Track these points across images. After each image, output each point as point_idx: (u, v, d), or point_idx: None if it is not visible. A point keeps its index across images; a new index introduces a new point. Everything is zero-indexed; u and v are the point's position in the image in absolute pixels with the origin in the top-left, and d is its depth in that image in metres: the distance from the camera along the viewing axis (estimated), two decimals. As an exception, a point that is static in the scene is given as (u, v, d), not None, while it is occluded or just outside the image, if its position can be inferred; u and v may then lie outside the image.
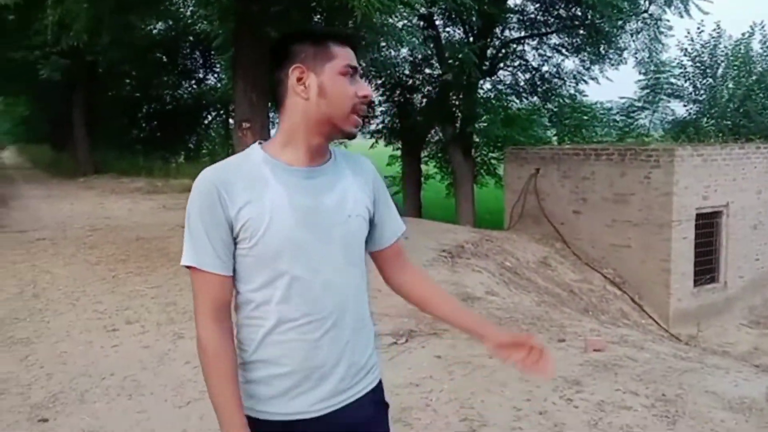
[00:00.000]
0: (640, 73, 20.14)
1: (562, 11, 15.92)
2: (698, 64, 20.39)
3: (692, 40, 20.19)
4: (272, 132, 7.31)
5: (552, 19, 16.37)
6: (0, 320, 5.29)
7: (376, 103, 19.33)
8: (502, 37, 17.19)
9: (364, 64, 15.62)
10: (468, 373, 4.12)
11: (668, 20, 15.61)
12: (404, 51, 15.23)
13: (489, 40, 16.19)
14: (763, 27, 19.79)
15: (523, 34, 17.18)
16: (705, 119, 20.30)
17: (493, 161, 18.88)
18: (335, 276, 1.41)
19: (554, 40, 17.14)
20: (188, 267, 1.39)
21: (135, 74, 22.40)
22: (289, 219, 1.37)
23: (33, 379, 4.09)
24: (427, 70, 17.61)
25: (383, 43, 9.90)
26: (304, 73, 1.40)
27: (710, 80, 20.36)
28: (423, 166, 19.61)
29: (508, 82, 18.23)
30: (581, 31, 15.91)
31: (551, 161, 11.80)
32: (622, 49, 16.49)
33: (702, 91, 20.59)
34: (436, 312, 1.64)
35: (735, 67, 19.83)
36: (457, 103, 16.17)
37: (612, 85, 18.23)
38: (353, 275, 1.46)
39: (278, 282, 1.37)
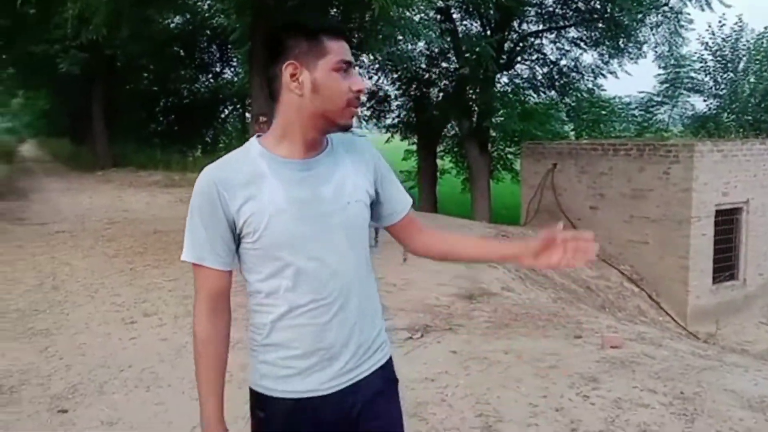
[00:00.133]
0: (659, 67, 19.97)
1: (580, 4, 15.78)
2: (719, 58, 20.13)
3: (713, 34, 19.95)
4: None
5: (570, 12, 16.23)
6: (20, 312, 5.36)
7: (393, 97, 19.33)
8: (520, 31, 17.09)
9: (378, 58, 15.60)
10: (484, 368, 4.10)
11: (689, 13, 15.45)
12: (421, 44, 15.19)
13: (506, 33, 16.10)
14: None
15: (541, 27, 17.07)
16: (725, 114, 20.07)
17: (509, 156, 18.79)
18: (339, 262, 1.45)
19: (573, 33, 17.01)
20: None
21: (153, 68, 22.56)
22: (288, 212, 1.40)
23: (53, 371, 4.14)
24: (444, 64, 17.56)
25: (400, 37, 9.88)
26: (297, 69, 1.41)
27: (731, 74, 20.09)
28: (439, 161, 19.57)
29: (525, 76, 18.13)
30: (600, 25, 15.77)
31: (568, 156, 11.72)
32: (642, 43, 16.32)
33: (723, 86, 20.33)
34: (465, 256, 1.68)
35: (757, 62, 19.54)
36: (473, 97, 16.11)
37: (631, 80, 18.06)
38: (357, 259, 1.49)
39: (284, 272, 1.42)
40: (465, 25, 16.96)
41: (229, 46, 19.95)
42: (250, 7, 7.94)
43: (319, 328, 1.43)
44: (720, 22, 19.98)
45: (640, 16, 14.49)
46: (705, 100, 20.85)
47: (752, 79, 19.68)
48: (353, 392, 1.48)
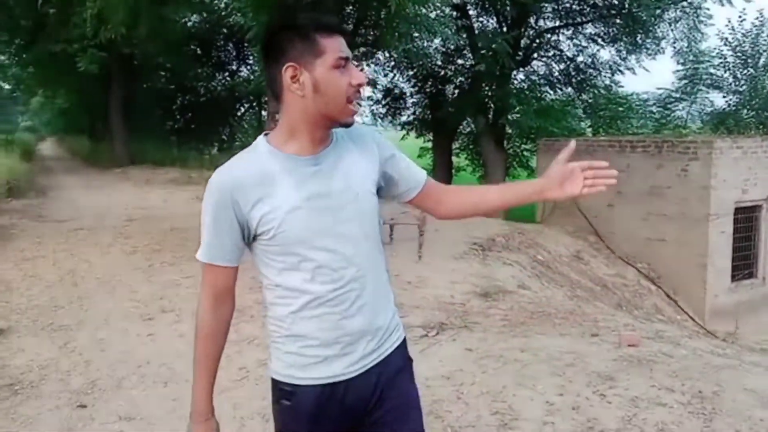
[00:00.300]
0: (678, 63, 19.75)
1: (598, 0, 15.64)
2: (739, 54, 19.86)
3: (733, 29, 19.68)
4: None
5: (588, 8, 16.11)
6: (41, 307, 5.43)
7: (408, 94, 19.31)
8: (537, 27, 16.99)
9: (394, 55, 15.58)
10: (499, 366, 4.10)
11: (708, 8, 15.26)
12: (437, 41, 15.13)
13: (523, 29, 16.01)
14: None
15: (557, 23, 16.96)
16: (745, 110, 19.81)
17: (525, 153, 18.71)
18: (354, 252, 1.49)
19: (590, 29, 16.88)
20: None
21: (170, 66, 22.70)
22: (303, 208, 1.44)
23: (72, 366, 4.19)
24: (460, 61, 17.51)
25: (416, 34, 9.85)
26: (297, 71, 1.43)
27: (751, 70, 19.81)
28: (454, 158, 19.51)
29: (542, 73, 18.03)
30: (618, 20, 15.63)
31: (585, 153, 11.62)
32: (660, 39, 16.15)
33: (742, 82, 20.06)
34: (496, 203, 1.67)
35: (778, 57, 19.28)
36: (489, 93, 16.04)
37: (649, 76, 18.00)
38: (370, 248, 1.54)
39: (302, 266, 1.46)
40: (481, 22, 16.91)
41: (246, 45, 20.03)
42: (267, 5, 7.96)
43: (340, 316, 1.48)
44: (740, 17, 19.74)
45: (658, 11, 14.33)
46: (724, 97, 20.60)
47: (773, 75, 19.42)
48: (376, 372, 1.54)
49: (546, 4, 15.92)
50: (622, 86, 18.63)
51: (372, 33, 11.15)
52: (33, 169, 18.05)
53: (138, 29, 9.31)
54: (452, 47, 16.39)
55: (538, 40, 17.08)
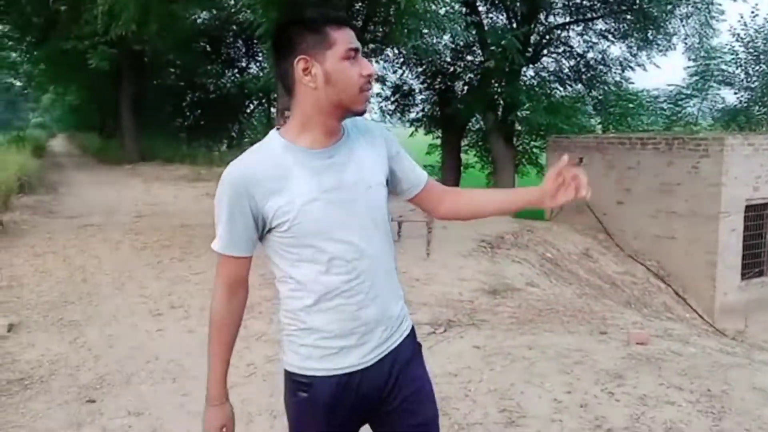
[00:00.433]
0: (689, 59, 19.60)
1: (608, -4, 15.55)
2: (751, 50, 19.67)
3: (745, 25, 19.49)
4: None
5: (598, 4, 16.01)
6: (51, 303, 5.47)
7: (417, 91, 19.27)
8: (547, 23, 16.90)
9: (402, 52, 15.56)
10: (507, 364, 4.09)
11: (720, 4, 15.12)
12: (446, 38, 15.10)
13: (533, 25, 15.93)
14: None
15: (568, 19, 16.87)
16: (757, 107, 19.65)
17: (535, 150, 18.61)
18: (367, 243, 1.52)
19: (600, 25, 16.77)
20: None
21: (180, 63, 22.80)
22: (318, 201, 1.46)
23: (81, 361, 4.22)
24: (469, 57, 17.45)
25: (425, 30, 9.83)
26: (308, 63, 1.46)
27: (763, 67, 19.63)
28: (463, 155, 19.45)
29: (551, 69, 17.93)
30: (628, 16, 15.52)
31: (595, 150, 11.58)
32: (671, 35, 16.01)
33: (754, 78, 19.88)
34: (492, 209, 1.72)
35: (791, 53, 19.09)
36: (499, 90, 15.97)
37: (659, 72, 17.77)
38: (380, 239, 1.57)
39: (317, 258, 1.48)
40: (491, 18, 16.83)
41: (255, 41, 20.06)
42: (276, 2, 7.97)
43: (355, 308, 1.51)
44: (752, 12, 19.57)
45: (669, 7, 14.22)
46: (736, 93, 20.41)
47: (786, 72, 19.24)
48: (390, 361, 1.58)
49: (556, 0, 15.84)
50: (632, 83, 18.51)
51: (381, 29, 11.14)
52: (44, 166, 18.16)
53: (148, 26, 9.34)
54: (461, 44, 16.33)
55: (548, 37, 16.99)
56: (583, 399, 3.55)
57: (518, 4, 14.87)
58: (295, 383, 1.55)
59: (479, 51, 16.31)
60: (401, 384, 1.59)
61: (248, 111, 26.08)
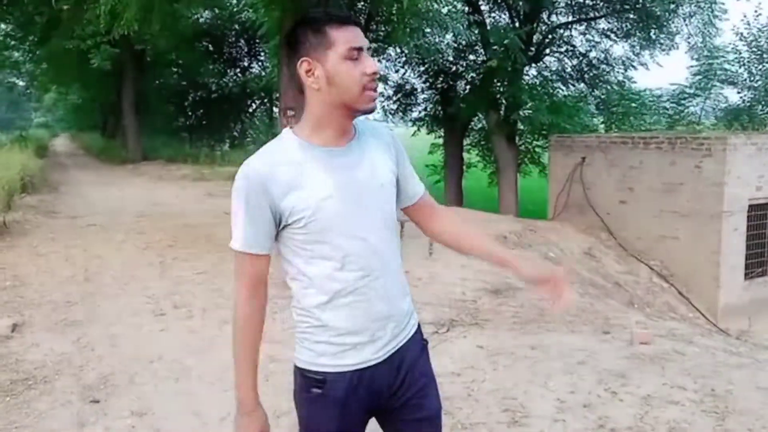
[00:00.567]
0: (692, 58, 19.52)
1: (611, -5, 15.54)
2: (754, 49, 19.62)
3: (749, 24, 19.46)
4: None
5: (601, 3, 16.00)
6: (54, 303, 5.47)
7: (419, 90, 19.25)
8: (549, 22, 16.89)
9: (405, 51, 15.55)
10: (510, 364, 4.09)
11: (723, 3, 15.09)
12: (448, 37, 15.10)
13: (535, 25, 15.92)
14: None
15: (570, 18, 16.85)
16: (760, 106, 19.59)
17: (537, 149, 18.58)
18: (379, 241, 1.55)
19: (603, 24, 16.76)
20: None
21: (182, 63, 22.83)
22: (333, 198, 1.48)
23: (85, 361, 4.22)
24: (471, 56, 17.43)
25: (427, 29, 9.84)
26: (311, 65, 1.48)
27: (767, 66, 19.59)
28: (465, 155, 19.44)
29: (554, 69, 17.92)
30: (631, 16, 15.51)
31: (598, 150, 11.56)
32: (674, 34, 16.01)
33: (758, 78, 19.83)
34: (470, 252, 1.77)
35: (794, 52, 19.04)
36: (501, 89, 15.97)
37: (662, 72, 17.75)
38: (390, 236, 1.60)
39: (332, 254, 1.50)
40: (493, 17, 16.82)
41: (257, 41, 20.08)
42: (278, 1, 7.97)
43: (368, 304, 1.53)
44: (756, 11, 19.54)
45: (672, 6, 14.22)
46: (739, 92, 20.36)
47: (789, 71, 19.19)
48: (399, 356, 1.60)
49: None
50: (635, 82, 18.50)
51: (383, 28, 11.14)
52: (46, 166, 18.18)
53: (150, 25, 9.35)
54: (464, 43, 16.31)
55: (550, 36, 16.98)
56: (587, 399, 3.55)
57: (521, 3, 14.86)
58: (308, 380, 1.55)
59: (482, 50, 16.30)
60: (410, 380, 1.62)
61: (250, 110, 26.11)
